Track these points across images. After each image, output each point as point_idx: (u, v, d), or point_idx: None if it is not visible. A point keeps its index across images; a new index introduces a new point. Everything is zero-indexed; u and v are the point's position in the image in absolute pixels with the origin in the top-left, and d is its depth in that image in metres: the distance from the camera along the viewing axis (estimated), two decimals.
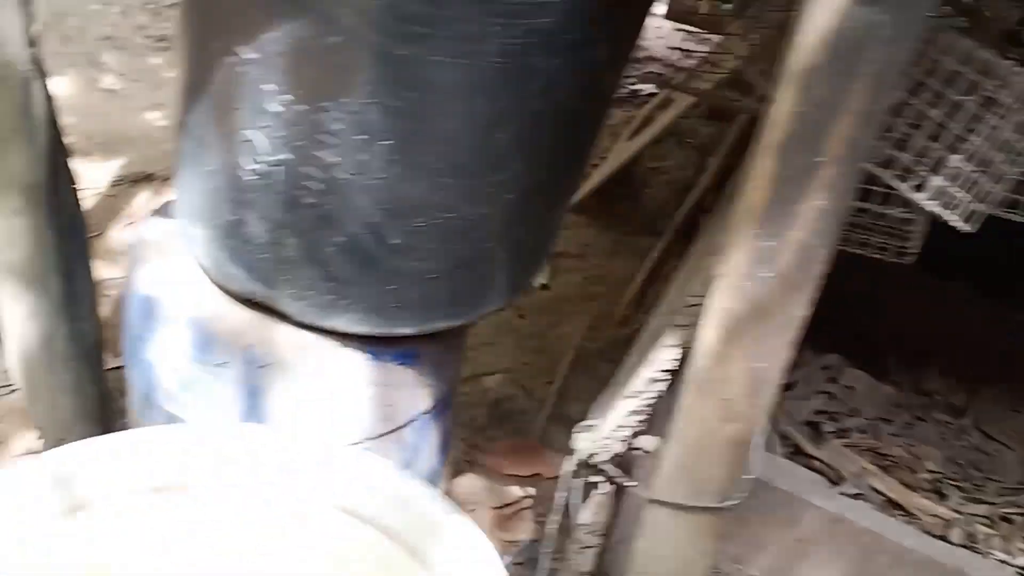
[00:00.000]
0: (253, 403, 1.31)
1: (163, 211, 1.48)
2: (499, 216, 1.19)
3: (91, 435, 1.72)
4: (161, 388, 1.36)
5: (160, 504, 1.05)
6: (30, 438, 1.83)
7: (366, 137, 1.05)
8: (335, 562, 1.11)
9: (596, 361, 2.32)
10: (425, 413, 1.46)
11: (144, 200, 2.59)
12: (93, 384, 1.73)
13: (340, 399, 1.32)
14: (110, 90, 2.99)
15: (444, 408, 1.52)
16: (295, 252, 1.18)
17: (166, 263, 1.36)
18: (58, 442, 1.71)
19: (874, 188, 1.26)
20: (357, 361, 1.32)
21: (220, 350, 1.29)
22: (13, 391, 2.00)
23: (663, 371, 0.98)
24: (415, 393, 1.42)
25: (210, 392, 1.32)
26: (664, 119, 2.46)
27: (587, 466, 1.05)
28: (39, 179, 1.50)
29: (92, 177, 2.51)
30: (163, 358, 1.33)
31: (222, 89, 1.11)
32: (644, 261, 2.19)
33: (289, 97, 1.06)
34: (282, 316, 1.29)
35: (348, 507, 1.11)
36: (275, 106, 1.07)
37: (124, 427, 1.84)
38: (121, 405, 1.93)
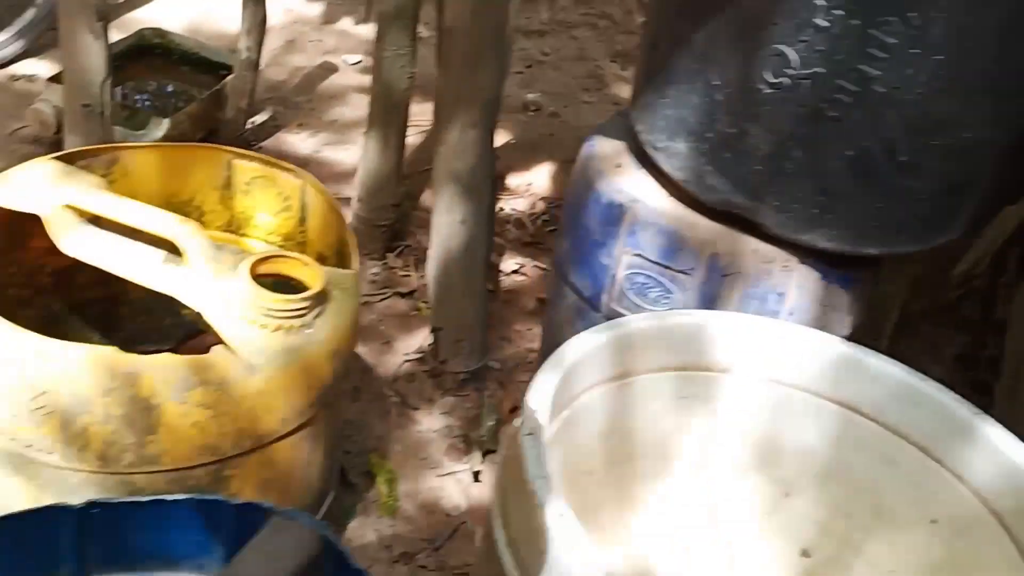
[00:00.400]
0: (707, 309, 1.40)
1: (603, 130, 1.58)
2: (1002, 143, 1.22)
3: (481, 339, 1.88)
4: (613, 291, 1.46)
5: (695, 379, 1.15)
6: (416, 339, 2.00)
7: (918, 51, 1.10)
8: (837, 455, 1.18)
9: (919, 322, 2.32)
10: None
11: None
12: (485, 293, 1.88)
13: (791, 314, 1.39)
14: (421, 37, 3.17)
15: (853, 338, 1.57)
16: (795, 165, 1.25)
17: (626, 175, 1.46)
18: (455, 343, 1.87)
19: None
20: (811, 278, 1.38)
21: (687, 257, 1.38)
22: (384, 299, 2.19)
23: None
24: (843, 318, 1.46)
25: (667, 297, 1.41)
26: None
27: None
28: (495, 96, 1.64)
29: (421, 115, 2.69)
30: (623, 262, 1.44)
31: (758, 5, 1.19)
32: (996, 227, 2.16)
33: (841, 12, 1.12)
34: (748, 228, 1.37)
35: (849, 401, 1.18)
36: (822, 21, 1.13)
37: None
38: None
